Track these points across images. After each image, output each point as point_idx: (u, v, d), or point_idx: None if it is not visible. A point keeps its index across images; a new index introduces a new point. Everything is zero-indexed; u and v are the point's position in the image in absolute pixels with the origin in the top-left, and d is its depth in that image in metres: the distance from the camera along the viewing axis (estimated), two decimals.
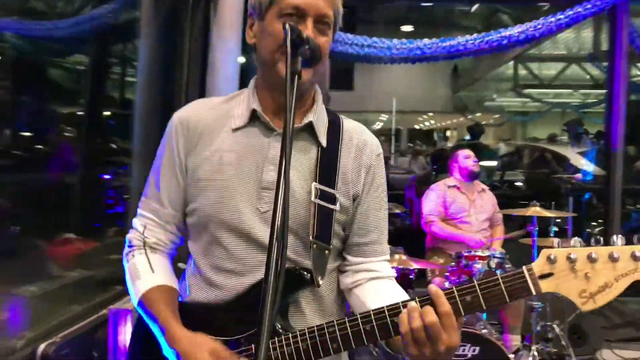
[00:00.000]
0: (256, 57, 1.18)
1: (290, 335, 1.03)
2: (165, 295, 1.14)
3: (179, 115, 1.21)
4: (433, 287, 0.97)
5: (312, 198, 1.11)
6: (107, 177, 4.85)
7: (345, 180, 1.17)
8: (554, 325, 3.37)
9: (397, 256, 3.32)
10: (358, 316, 0.99)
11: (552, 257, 0.91)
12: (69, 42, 5.09)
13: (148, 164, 1.25)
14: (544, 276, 0.92)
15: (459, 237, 3.75)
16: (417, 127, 21.52)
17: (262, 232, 1.11)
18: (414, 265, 3.14)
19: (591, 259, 0.89)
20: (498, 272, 3.08)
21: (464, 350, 2.74)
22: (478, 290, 0.94)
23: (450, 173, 4.05)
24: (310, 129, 1.18)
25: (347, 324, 0.99)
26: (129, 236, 1.24)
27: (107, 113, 5.47)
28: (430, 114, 20.90)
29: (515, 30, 4.22)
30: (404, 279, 3.50)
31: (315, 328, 1.01)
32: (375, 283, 1.20)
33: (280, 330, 1.05)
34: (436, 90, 18.77)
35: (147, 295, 1.13)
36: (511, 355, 2.77)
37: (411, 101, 18.51)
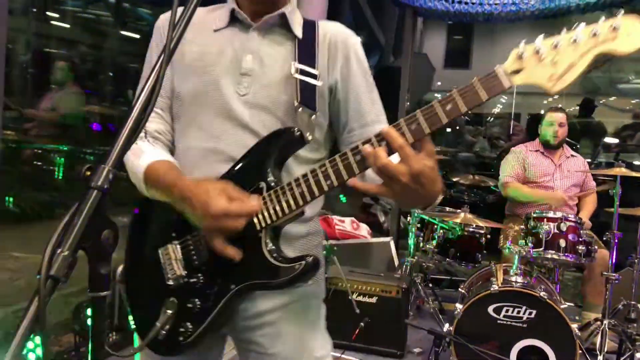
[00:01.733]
0: None
1: (285, 185, 1.07)
2: (170, 165, 1.15)
3: (166, 14, 1.27)
4: (385, 129, 0.97)
5: (293, 73, 1.14)
6: None
7: (322, 66, 1.20)
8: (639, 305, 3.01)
9: (462, 214, 3.18)
10: (347, 150, 1.01)
11: (520, 54, 0.94)
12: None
13: None
14: (515, 72, 0.95)
15: (537, 195, 3.45)
16: (542, 111, 20.03)
17: (241, 112, 1.16)
18: (477, 223, 2.99)
19: (555, 46, 0.92)
20: (571, 237, 2.82)
21: (519, 313, 2.57)
22: (456, 95, 0.95)
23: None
24: (284, 22, 1.21)
25: (338, 159, 1.02)
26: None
27: None
28: (556, 96, 19.30)
29: None
30: (472, 242, 3.36)
31: (308, 171, 1.04)
32: None
33: (274, 184, 1.09)
34: None
35: (152, 166, 1.14)
36: (574, 326, 2.53)
37: None
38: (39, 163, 4.58)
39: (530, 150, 3.65)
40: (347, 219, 4.24)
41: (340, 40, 1.23)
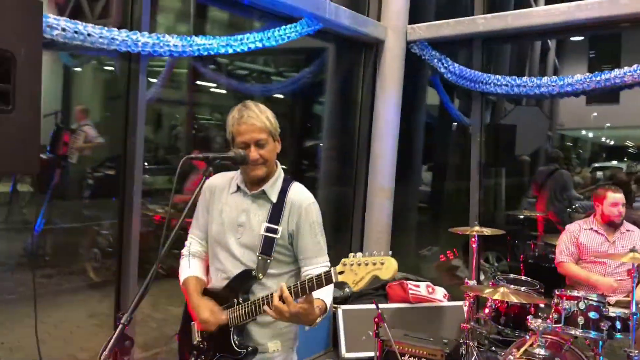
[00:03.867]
0: None
1: (246, 303, 1.92)
2: (193, 281, 2.05)
3: (208, 182, 2.09)
4: (281, 285, 1.76)
5: (261, 232, 1.97)
6: None
7: (284, 221, 2.00)
8: None
9: (500, 289, 3.55)
10: (269, 294, 1.82)
11: (345, 263, 1.66)
12: (286, 95, 6.63)
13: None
14: (340, 272, 1.66)
15: (587, 281, 3.68)
16: None
17: (237, 249, 2.00)
18: (512, 299, 3.35)
19: (359, 264, 1.63)
20: (591, 314, 3.06)
21: None
22: (314, 279, 1.71)
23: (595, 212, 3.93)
24: (264, 193, 2.02)
25: (263, 299, 1.85)
26: (183, 250, 2.16)
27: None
28: None
29: None
30: (522, 310, 3.67)
31: (255, 300, 1.89)
32: None
33: (242, 301, 1.94)
34: None
35: (184, 280, 2.06)
36: None
37: None
38: (181, 232, 5.85)
39: (584, 229, 3.87)
40: (423, 284, 4.69)
41: (297, 204, 2.01)
